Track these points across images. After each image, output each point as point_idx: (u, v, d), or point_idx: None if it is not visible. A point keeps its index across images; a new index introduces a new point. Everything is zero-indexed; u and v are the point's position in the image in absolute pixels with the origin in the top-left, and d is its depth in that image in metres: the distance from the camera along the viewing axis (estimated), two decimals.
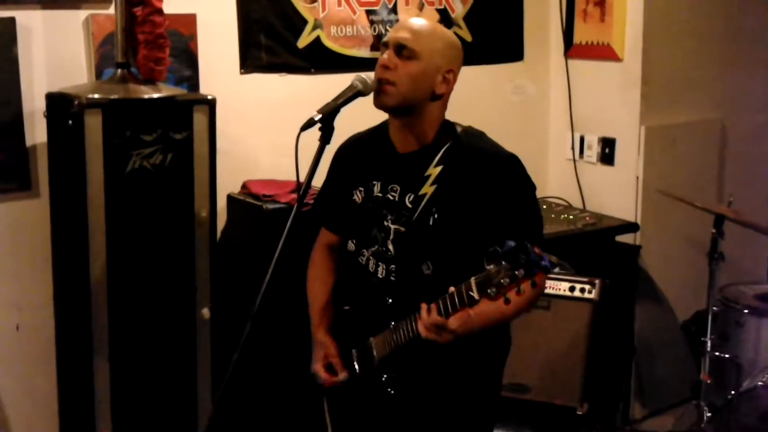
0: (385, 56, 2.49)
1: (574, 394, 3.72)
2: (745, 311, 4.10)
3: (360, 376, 2.69)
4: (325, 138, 2.42)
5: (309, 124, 2.38)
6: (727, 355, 4.06)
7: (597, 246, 4.39)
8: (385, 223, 2.59)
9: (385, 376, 2.61)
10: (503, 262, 2.13)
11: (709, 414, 3.91)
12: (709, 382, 3.97)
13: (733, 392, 3.83)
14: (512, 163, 2.53)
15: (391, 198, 2.58)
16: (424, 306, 2.39)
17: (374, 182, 2.63)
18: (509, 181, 2.50)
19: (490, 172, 2.49)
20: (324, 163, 2.50)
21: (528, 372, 3.72)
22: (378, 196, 2.61)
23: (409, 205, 2.54)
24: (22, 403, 3.67)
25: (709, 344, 3.99)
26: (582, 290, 3.77)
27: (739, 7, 4.88)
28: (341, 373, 2.72)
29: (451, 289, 2.31)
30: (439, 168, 2.52)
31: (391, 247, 2.58)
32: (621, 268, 4.45)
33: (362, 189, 2.66)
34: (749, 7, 4.93)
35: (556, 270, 3.87)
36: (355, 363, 2.70)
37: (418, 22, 2.54)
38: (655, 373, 4.79)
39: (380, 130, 2.67)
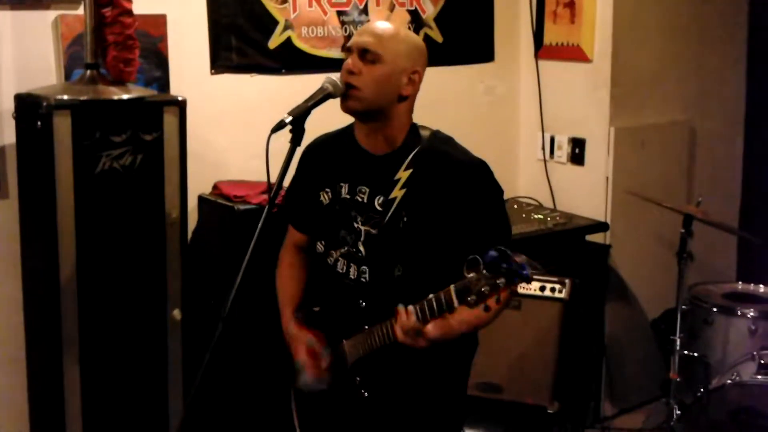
0: (350, 61, 2.50)
1: (544, 392, 3.75)
2: (714, 310, 4.14)
3: (332, 379, 2.69)
4: (296, 140, 2.42)
5: (279, 126, 2.39)
6: (696, 354, 4.09)
7: (567, 245, 4.41)
8: (355, 225, 2.60)
9: (358, 378, 2.61)
10: (484, 271, 2.15)
11: (678, 412, 3.94)
12: (678, 380, 4.00)
13: (702, 390, 3.85)
14: (481, 170, 2.55)
15: (359, 200, 2.59)
16: (401, 309, 2.39)
17: (342, 184, 2.63)
18: (478, 188, 2.52)
19: (459, 178, 2.51)
20: (294, 164, 2.50)
21: (499, 371, 3.74)
22: (346, 198, 2.62)
23: (379, 208, 2.55)
24: None
25: (678, 342, 4.02)
26: (552, 290, 3.79)
27: (708, 8, 4.92)
28: (324, 359, 2.69)
29: (430, 296, 2.32)
30: (409, 172, 2.53)
31: (362, 248, 2.59)
32: (591, 267, 4.47)
33: (329, 190, 2.67)
34: (717, 8, 4.97)
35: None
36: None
37: (381, 25, 2.55)
38: (625, 371, 4.82)
39: (347, 131, 2.68)
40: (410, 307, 2.38)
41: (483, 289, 2.16)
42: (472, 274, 2.18)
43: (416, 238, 2.51)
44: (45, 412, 3.44)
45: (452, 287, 2.24)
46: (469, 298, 2.19)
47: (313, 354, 2.70)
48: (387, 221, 2.53)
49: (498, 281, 2.14)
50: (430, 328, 2.36)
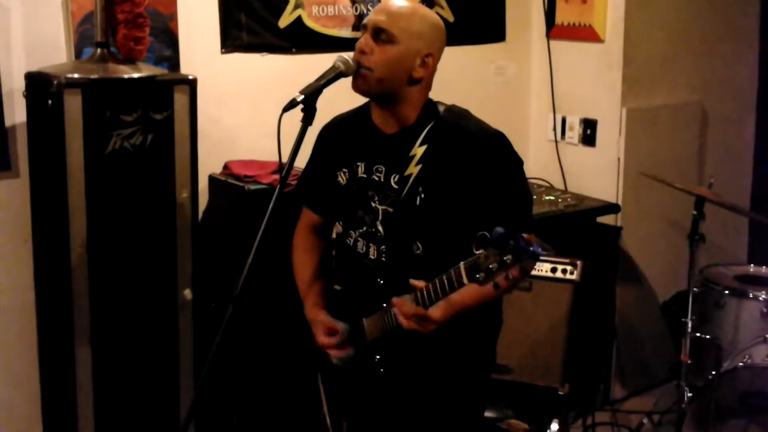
0: (362, 40, 2.48)
1: (555, 374, 3.74)
2: (726, 292, 4.12)
3: (353, 356, 2.69)
4: (308, 119, 2.41)
5: (291, 105, 2.37)
6: (707, 336, 4.08)
7: (578, 227, 4.40)
8: (373, 204, 2.58)
9: (377, 357, 2.61)
10: (492, 248, 2.13)
11: (689, 394, 3.93)
12: (689, 362, 3.99)
13: (713, 373, 3.84)
14: (498, 140, 2.51)
15: (376, 179, 2.58)
16: (395, 300, 2.39)
17: (358, 163, 2.62)
18: (496, 159, 2.49)
19: (475, 150, 2.48)
20: (306, 144, 2.49)
21: (509, 353, 3.72)
22: (362, 177, 2.60)
23: (395, 186, 2.54)
24: (3, 385, 3.66)
25: (689, 325, 4.00)
26: (563, 271, 3.77)
27: None
28: (344, 333, 2.69)
29: (419, 284, 2.32)
30: (423, 147, 2.51)
31: (380, 228, 2.57)
32: (602, 249, 4.47)
33: (346, 170, 2.65)
34: None
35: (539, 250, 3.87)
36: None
37: (398, 3, 2.52)
38: (636, 353, 4.82)
39: (363, 110, 2.66)
40: (406, 297, 2.38)
41: (491, 266, 2.13)
42: (480, 251, 2.16)
43: (434, 214, 2.49)
44: (56, 392, 3.44)
45: (462, 265, 2.22)
46: (477, 276, 2.17)
47: (332, 333, 2.70)
48: (403, 199, 2.52)
49: (505, 258, 2.11)
50: (433, 312, 2.36)
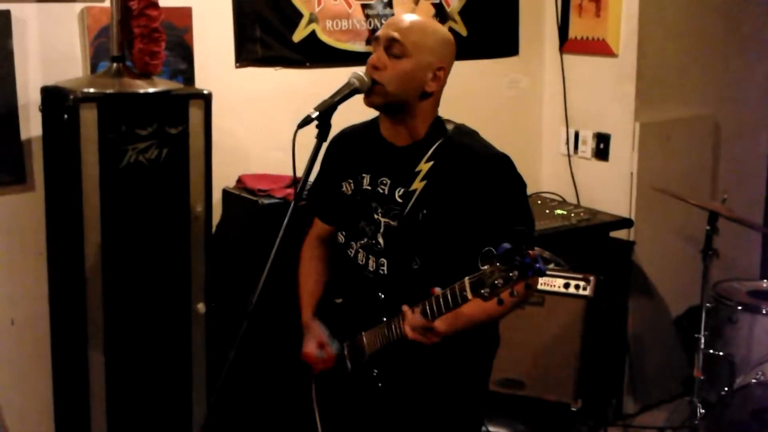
0: (374, 56, 2.50)
1: (567, 389, 3.74)
2: (739, 308, 4.11)
3: (351, 370, 2.70)
4: (322, 135, 2.41)
5: (306, 121, 2.38)
6: (720, 352, 4.07)
7: (591, 241, 4.39)
8: (375, 216, 2.59)
9: (375, 371, 2.62)
10: (498, 264, 2.14)
11: (702, 410, 3.92)
12: (702, 378, 3.98)
13: (726, 389, 3.83)
14: (502, 163, 2.53)
15: (380, 191, 2.59)
16: (406, 308, 2.40)
17: (364, 175, 2.63)
18: (499, 180, 2.50)
19: (480, 171, 2.49)
20: (320, 159, 2.50)
21: (521, 368, 3.73)
22: (367, 189, 2.62)
23: (399, 200, 2.55)
24: (16, 397, 3.66)
25: (702, 340, 4.00)
26: (576, 287, 3.77)
27: (734, 3, 4.88)
28: (328, 349, 2.72)
29: (436, 290, 2.33)
30: (430, 164, 2.52)
31: (381, 240, 2.58)
32: (615, 263, 4.45)
33: (351, 181, 2.67)
34: (744, 3, 4.93)
35: (551, 266, 3.87)
36: (347, 357, 2.71)
37: (409, 18, 2.54)
38: (648, 368, 4.81)
39: (374, 123, 2.68)
40: (416, 307, 2.39)
41: (496, 282, 2.14)
42: (486, 267, 2.17)
43: (435, 230, 2.50)
44: (69, 404, 3.45)
45: (467, 279, 2.24)
46: (482, 291, 2.18)
47: (321, 345, 2.74)
48: (407, 213, 2.53)
49: (511, 274, 2.12)
50: (439, 324, 2.36)
